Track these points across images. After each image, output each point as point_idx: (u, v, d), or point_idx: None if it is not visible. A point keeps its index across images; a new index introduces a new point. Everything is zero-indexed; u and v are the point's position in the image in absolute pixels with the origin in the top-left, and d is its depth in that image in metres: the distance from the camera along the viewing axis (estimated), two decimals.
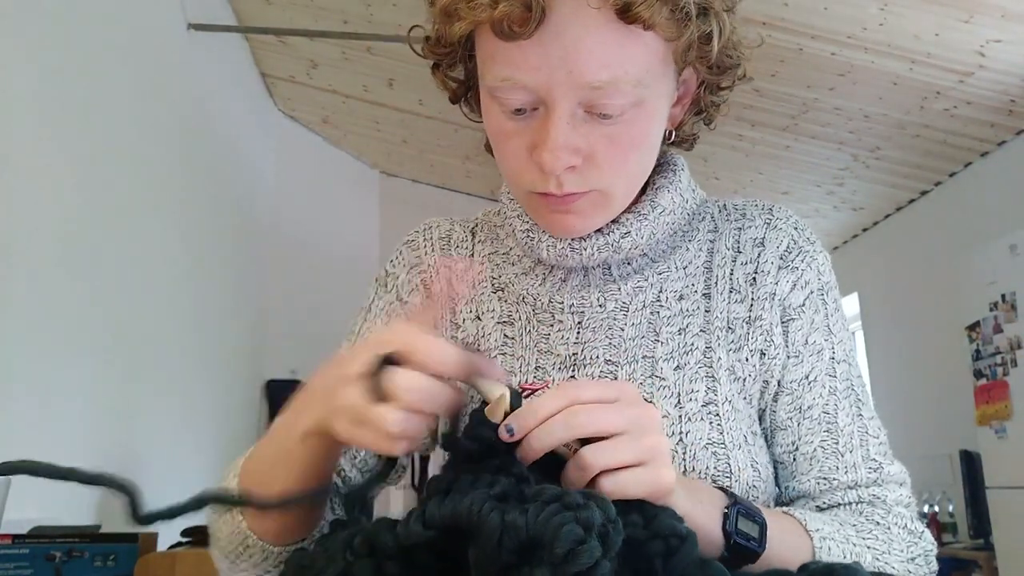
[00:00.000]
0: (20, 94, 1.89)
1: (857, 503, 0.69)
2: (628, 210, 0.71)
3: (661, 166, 0.74)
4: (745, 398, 0.70)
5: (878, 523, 0.67)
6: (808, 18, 3.14)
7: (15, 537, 1.45)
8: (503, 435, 0.48)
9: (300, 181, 4.93)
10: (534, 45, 0.58)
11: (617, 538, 0.40)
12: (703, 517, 0.54)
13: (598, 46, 0.58)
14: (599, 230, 0.70)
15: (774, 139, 4.16)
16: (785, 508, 0.65)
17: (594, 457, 0.48)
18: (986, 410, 3.46)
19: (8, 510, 1.30)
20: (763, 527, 0.57)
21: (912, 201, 4.71)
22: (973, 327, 3.54)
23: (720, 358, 0.70)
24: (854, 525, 0.66)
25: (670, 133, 0.72)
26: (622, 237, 0.70)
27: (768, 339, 0.71)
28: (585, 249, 0.70)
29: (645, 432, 0.50)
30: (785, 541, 0.58)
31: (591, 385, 0.52)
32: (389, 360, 0.49)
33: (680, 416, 0.67)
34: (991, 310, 3.43)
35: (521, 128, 0.63)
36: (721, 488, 0.59)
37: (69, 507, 1.94)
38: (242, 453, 0.69)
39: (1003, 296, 3.36)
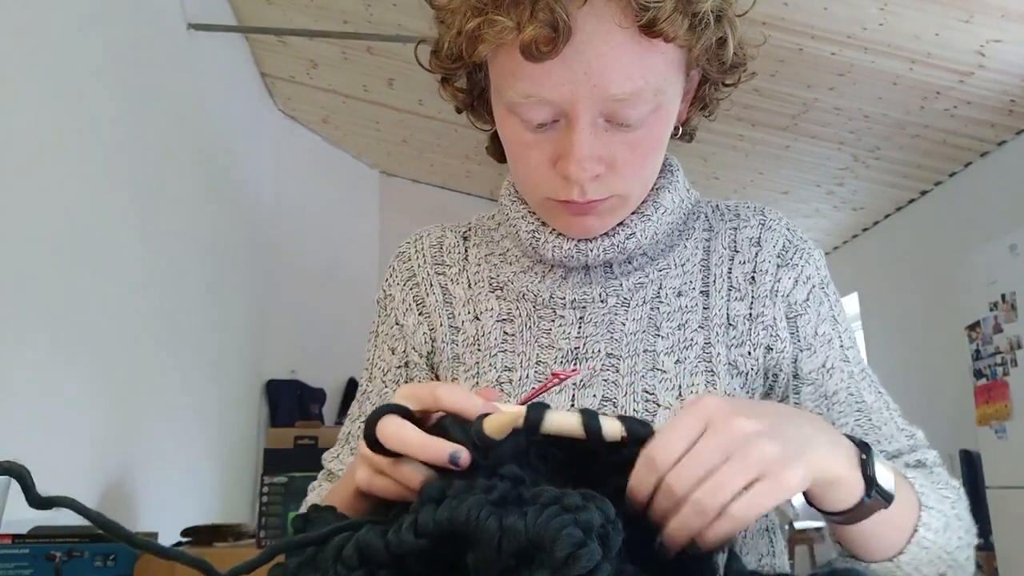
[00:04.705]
0: (20, 94, 1.89)
1: (903, 469, 0.69)
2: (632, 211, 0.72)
3: (660, 167, 0.75)
4: (748, 392, 0.72)
5: (933, 478, 0.68)
6: (808, 18, 3.14)
7: (15, 537, 1.45)
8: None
9: (300, 181, 4.93)
10: (557, 62, 0.59)
11: (617, 539, 0.40)
12: (846, 465, 0.53)
13: (621, 60, 0.59)
14: (604, 232, 0.71)
15: (774, 139, 4.16)
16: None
17: (712, 499, 0.45)
18: (986, 410, 3.46)
19: (8, 510, 1.30)
20: (893, 474, 0.56)
21: (912, 201, 4.71)
22: (973, 327, 3.54)
23: (719, 353, 0.71)
24: (925, 478, 0.66)
25: (676, 129, 0.73)
26: (627, 238, 0.72)
27: (773, 334, 0.72)
28: (591, 251, 0.71)
29: (743, 449, 0.46)
30: (901, 491, 0.58)
31: (675, 437, 0.47)
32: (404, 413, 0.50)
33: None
34: (991, 310, 3.43)
35: (541, 140, 0.65)
36: (849, 437, 0.57)
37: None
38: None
39: (1003, 296, 3.36)
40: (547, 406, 0.49)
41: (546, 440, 0.49)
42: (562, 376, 0.63)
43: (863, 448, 0.56)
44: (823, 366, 0.73)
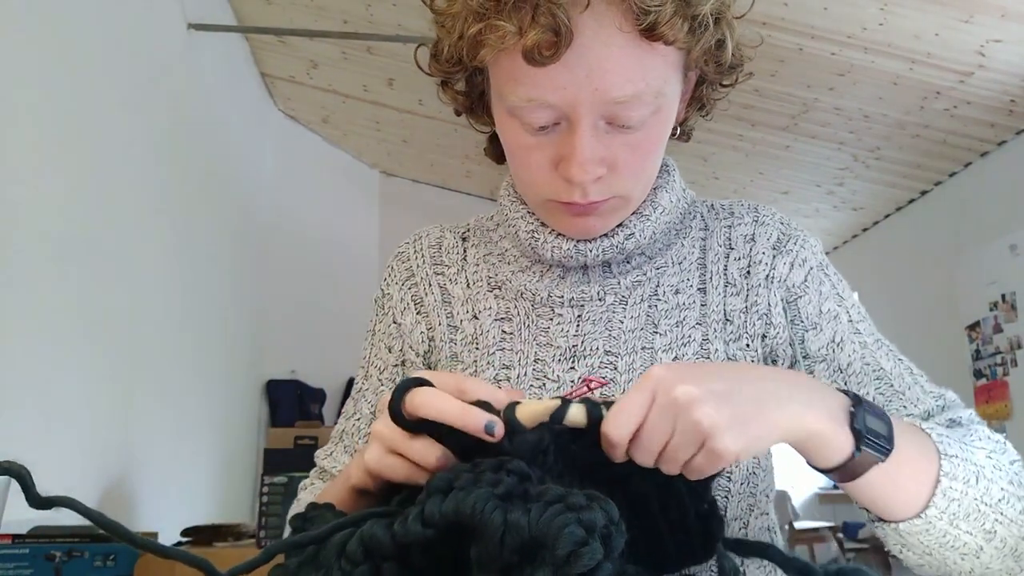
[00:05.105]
0: (18, 93, 1.89)
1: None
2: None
3: None
4: None
5: (969, 434, 0.66)
6: (808, 18, 3.14)
7: (15, 537, 1.45)
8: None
9: (300, 181, 4.93)
10: (559, 66, 0.59)
11: (619, 540, 0.40)
12: (826, 419, 0.53)
13: (622, 63, 0.60)
14: (604, 232, 0.72)
15: (774, 139, 4.16)
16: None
17: (667, 468, 0.49)
18: (986, 410, 3.46)
19: (8, 510, 1.30)
20: (890, 425, 0.55)
21: (912, 201, 4.71)
22: (973, 327, 3.55)
23: (717, 349, 0.71)
24: (950, 432, 0.64)
25: (674, 129, 0.74)
26: (626, 239, 0.72)
27: (767, 321, 0.73)
28: (590, 251, 0.72)
29: (684, 418, 0.48)
30: (907, 438, 0.57)
31: (622, 417, 0.49)
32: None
33: None
34: (991, 310, 3.43)
35: (543, 142, 0.65)
36: (843, 391, 0.57)
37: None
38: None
39: (1003, 296, 3.37)
40: (571, 401, 0.50)
41: (567, 439, 0.49)
42: (592, 384, 0.63)
43: (856, 402, 0.55)
44: (832, 341, 0.72)
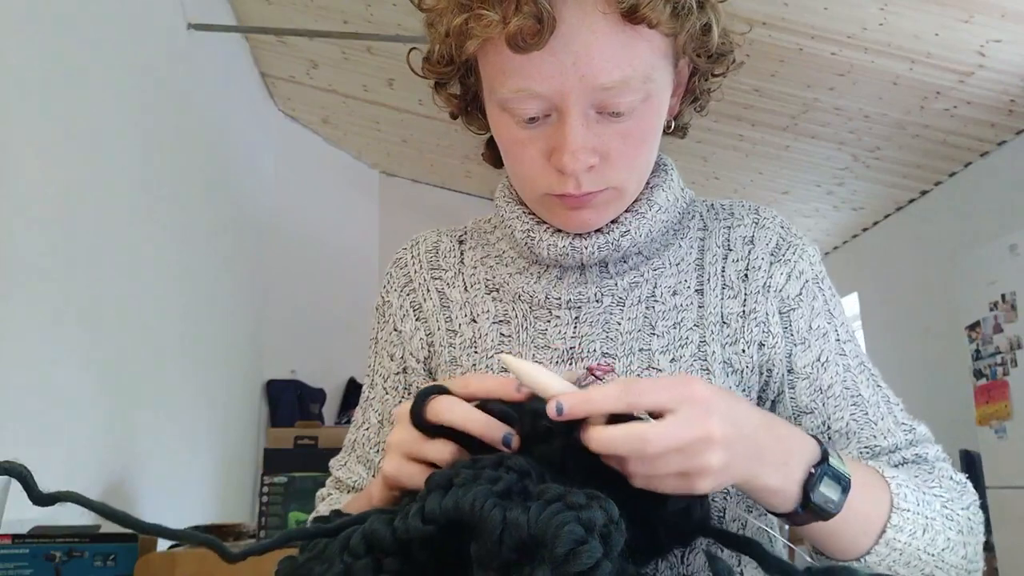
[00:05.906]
0: (18, 93, 1.89)
1: (902, 464, 0.71)
2: (627, 209, 0.73)
3: (654, 167, 0.76)
4: (744, 390, 0.72)
5: (930, 476, 0.69)
6: (808, 18, 3.14)
7: (15, 537, 1.45)
8: (551, 411, 0.49)
9: (300, 181, 4.93)
10: (545, 55, 0.60)
11: (619, 539, 0.40)
12: (784, 480, 0.55)
13: (607, 49, 0.60)
14: (599, 229, 0.72)
15: (774, 139, 4.16)
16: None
17: (635, 468, 0.50)
18: (986, 410, 3.46)
19: (8, 510, 1.30)
20: (846, 489, 0.57)
21: (912, 201, 4.71)
22: (973, 327, 3.54)
23: (714, 352, 0.71)
24: (916, 476, 0.67)
25: (669, 124, 0.74)
26: (622, 236, 0.72)
27: (765, 330, 0.72)
28: (586, 248, 0.72)
29: (693, 455, 0.49)
30: (864, 493, 0.59)
31: (653, 390, 0.50)
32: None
33: None
34: (991, 310, 3.43)
35: (535, 135, 0.66)
36: (817, 440, 0.59)
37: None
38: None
39: (1003, 296, 3.37)
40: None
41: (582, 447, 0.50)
42: (596, 372, 0.63)
43: (823, 458, 0.57)
44: (818, 360, 0.72)
